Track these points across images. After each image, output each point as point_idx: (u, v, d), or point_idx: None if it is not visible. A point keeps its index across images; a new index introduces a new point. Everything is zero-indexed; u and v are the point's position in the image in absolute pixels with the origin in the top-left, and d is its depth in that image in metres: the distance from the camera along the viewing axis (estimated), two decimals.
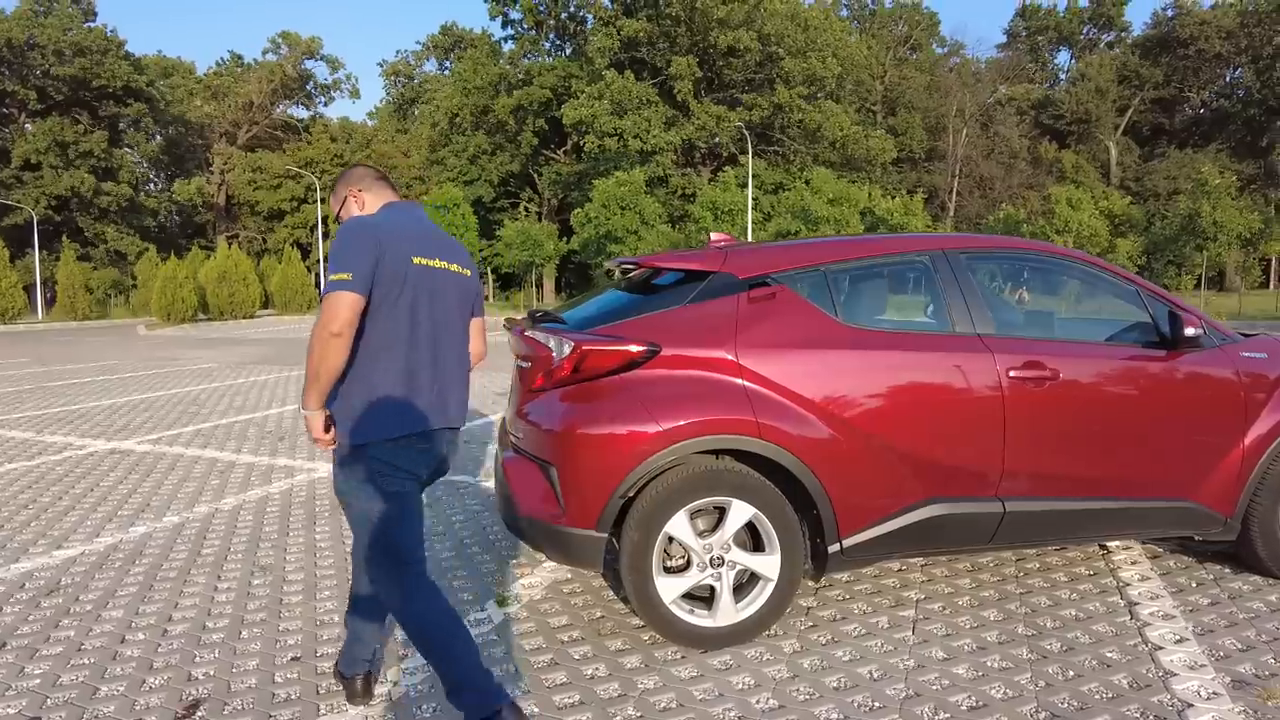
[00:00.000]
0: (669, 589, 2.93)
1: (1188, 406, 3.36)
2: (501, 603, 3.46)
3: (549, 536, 2.97)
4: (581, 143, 39.90)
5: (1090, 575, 3.69)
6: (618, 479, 2.86)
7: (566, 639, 3.13)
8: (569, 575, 3.77)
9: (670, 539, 2.94)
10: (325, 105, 59.56)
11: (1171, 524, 3.42)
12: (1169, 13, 48.41)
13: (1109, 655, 2.93)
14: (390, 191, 2.59)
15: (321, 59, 53.53)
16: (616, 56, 39.19)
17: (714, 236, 3.73)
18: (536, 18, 45.38)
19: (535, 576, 3.77)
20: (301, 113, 55.31)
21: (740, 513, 2.94)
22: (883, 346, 3.11)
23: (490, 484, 5.40)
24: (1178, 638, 3.06)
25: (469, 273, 2.53)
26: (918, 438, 3.08)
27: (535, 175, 46.08)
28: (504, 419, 3.93)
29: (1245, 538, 3.50)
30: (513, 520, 3.15)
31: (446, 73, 52.94)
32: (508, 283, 46.63)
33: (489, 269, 43.39)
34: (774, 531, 2.96)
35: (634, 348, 2.96)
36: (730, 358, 2.98)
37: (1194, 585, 3.57)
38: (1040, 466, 3.21)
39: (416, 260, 2.34)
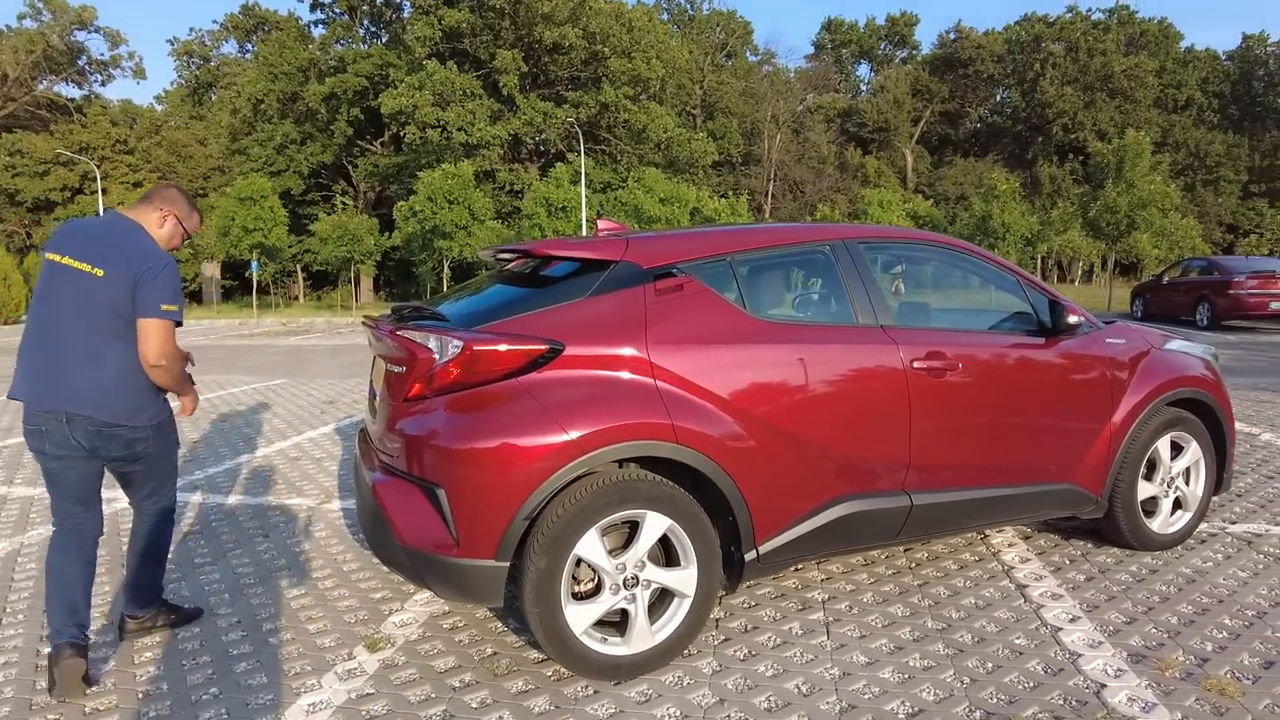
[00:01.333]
0: (579, 618, 2.60)
1: (1069, 393, 3.47)
2: (373, 647, 2.96)
3: (439, 571, 2.54)
4: (401, 134, 38.02)
5: (977, 561, 3.75)
6: (521, 498, 2.49)
7: (459, 684, 2.71)
8: (445, 608, 3.32)
9: (579, 561, 2.61)
10: (103, 85, 52.57)
11: (1057, 506, 3.52)
12: (952, 35, 53.70)
13: (1017, 642, 2.94)
14: (136, 204, 2.94)
15: (96, 31, 47.42)
16: (437, 47, 37.66)
17: (601, 224, 3.44)
18: (350, 2, 42.71)
19: (407, 612, 3.29)
20: (73, 91, 48.73)
21: (655, 526, 2.66)
22: (791, 340, 2.94)
23: (333, 507, 4.78)
24: (1070, 616, 3.13)
25: (101, 272, 2.66)
26: (829, 434, 2.95)
27: (350, 167, 43.37)
28: (363, 433, 3.42)
29: (1110, 513, 3.68)
30: (389, 554, 2.68)
31: (249, 56, 48.63)
32: (320, 281, 43.61)
33: (299, 267, 40.40)
34: (690, 543, 2.71)
35: (534, 346, 2.59)
36: (641, 355, 2.68)
37: (1068, 563, 3.71)
38: (943, 458, 3.18)
39: (49, 256, 2.72)
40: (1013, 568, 3.65)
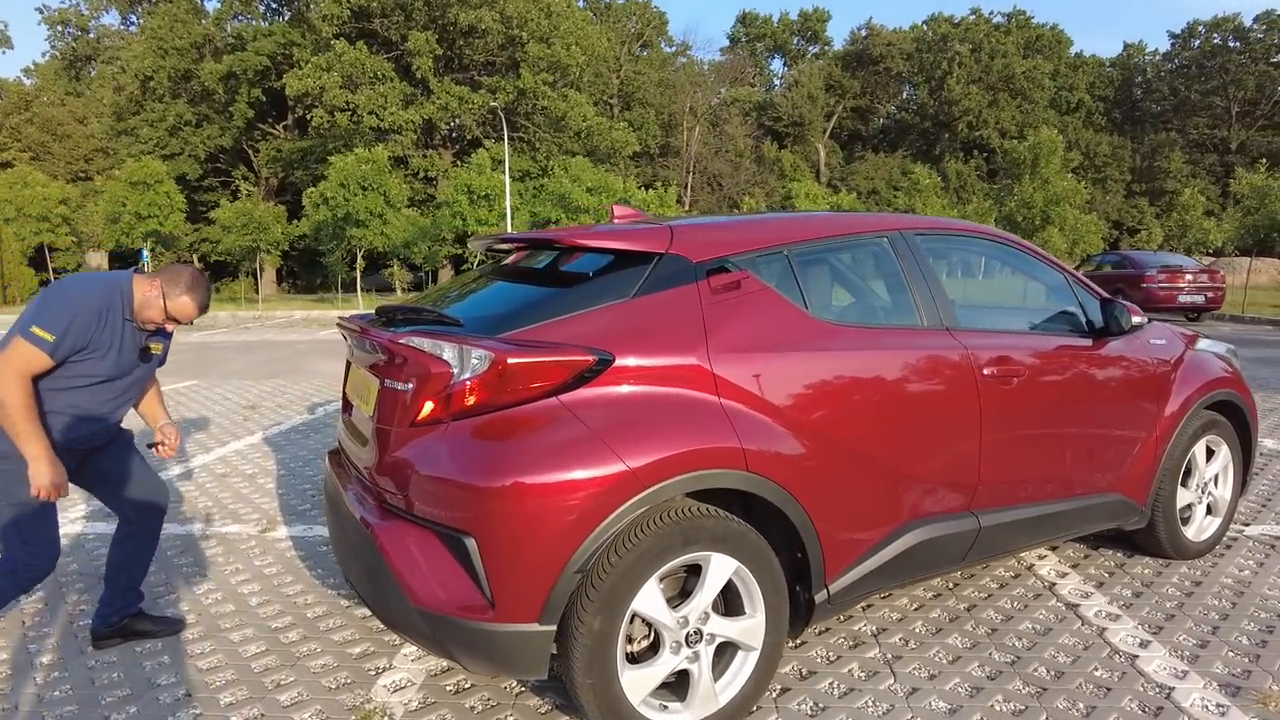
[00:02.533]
0: (638, 685, 2.16)
1: (1120, 397, 3.23)
2: None
3: (469, 640, 2.04)
4: (307, 117, 36.02)
5: (1015, 578, 3.49)
6: (572, 547, 2.02)
7: None
8: (444, 664, 2.81)
9: (633, 617, 2.16)
10: None
11: (1107, 519, 3.29)
12: (863, 32, 54.90)
13: (1099, 675, 2.66)
14: None
15: None
16: (345, 26, 35.80)
17: (618, 210, 2.98)
18: None
19: (398, 671, 2.76)
20: None
21: (721, 569, 2.24)
22: (859, 345, 2.56)
23: (279, 535, 4.15)
24: (1138, 640, 2.89)
25: None
26: (901, 452, 2.59)
27: (251, 152, 40.87)
28: (336, 456, 2.86)
29: (1150, 523, 3.48)
30: (398, 618, 2.16)
31: (134, 29, 45.07)
32: (219, 272, 40.99)
33: (197, 257, 37.90)
34: (757, 588, 2.30)
35: (579, 357, 2.12)
36: (702, 366, 2.25)
37: (1108, 576, 3.49)
38: (1010, 473, 2.88)
39: None
40: (1054, 584, 3.41)
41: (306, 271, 41.31)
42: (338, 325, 2.81)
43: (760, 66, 60.28)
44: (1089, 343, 3.19)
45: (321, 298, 31.80)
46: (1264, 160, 25.04)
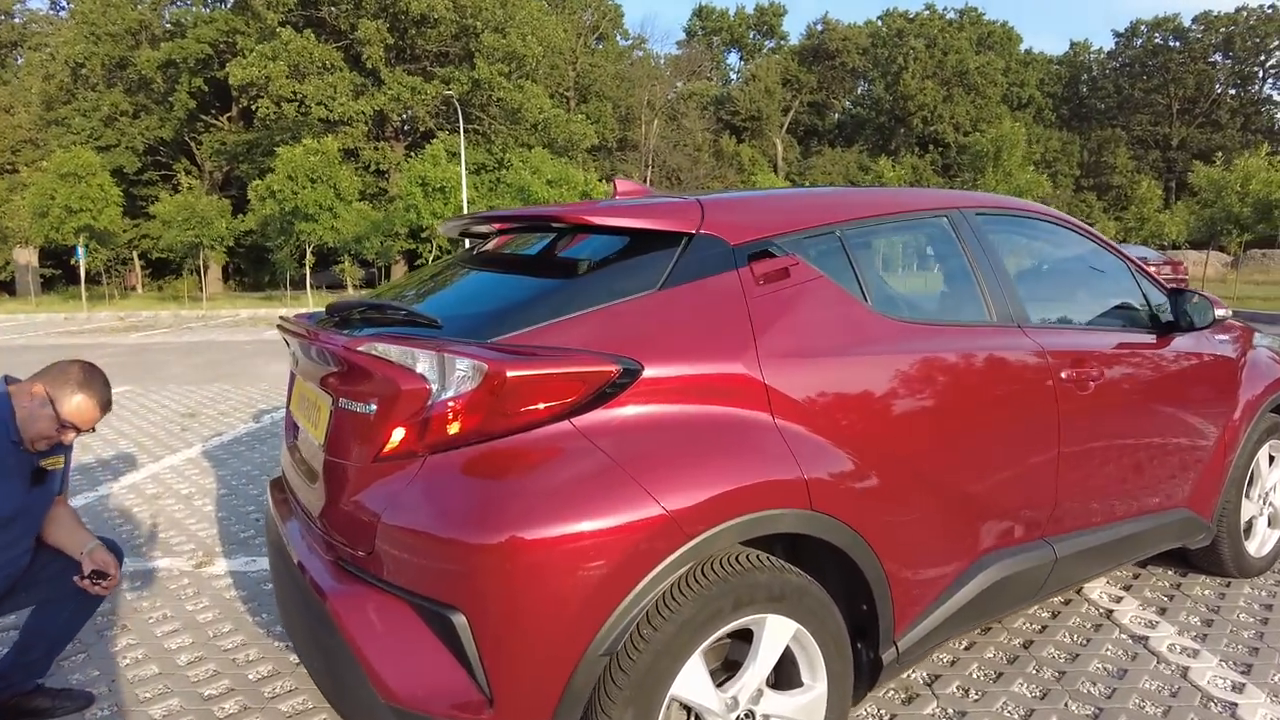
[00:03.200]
0: None
1: (1191, 400, 2.85)
2: None
3: None
4: (253, 108, 34.61)
5: (1066, 604, 3.09)
6: (597, 621, 1.53)
7: None
8: None
9: (670, 703, 1.67)
10: None
11: (1174, 539, 2.90)
12: (819, 27, 54.99)
13: None
14: None
15: None
16: (291, 14, 34.47)
17: (620, 184, 2.47)
18: None
19: None
20: None
21: (778, 635, 1.77)
22: (931, 347, 2.10)
23: (217, 570, 3.57)
24: (1229, 682, 2.51)
25: None
26: (978, 474, 2.15)
27: (193, 144, 39.17)
28: (280, 485, 2.32)
29: (1214, 539, 3.11)
30: (365, 714, 1.64)
31: (64, 15, 42.89)
32: (161, 270, 39.25)
33: (136, 254, 36.28)
34: (819, 653, 1.84)
35: (600, 368, 1.62)
36: (753, 376, 1.77)
37: (1167, 600, 3.12)
38: (1085, 493, 2.47)
39: None
40: (1111, 611, 3.02)
41: (254, 268, 39.82)
42: (278, 327, 2.26)
43: (717, 60, 60.05)
44: (1154, 339, 2.79)
45: (269, 295, 30.62)
46: (1219, 154, 25.48)
